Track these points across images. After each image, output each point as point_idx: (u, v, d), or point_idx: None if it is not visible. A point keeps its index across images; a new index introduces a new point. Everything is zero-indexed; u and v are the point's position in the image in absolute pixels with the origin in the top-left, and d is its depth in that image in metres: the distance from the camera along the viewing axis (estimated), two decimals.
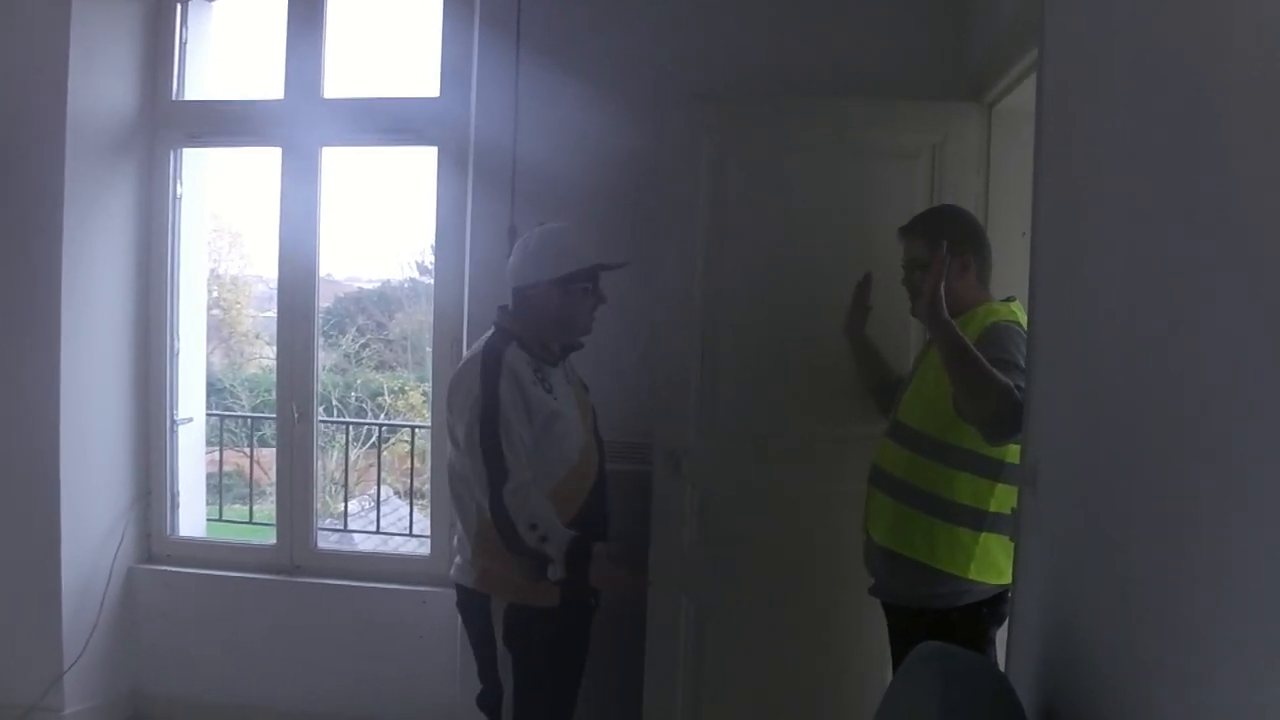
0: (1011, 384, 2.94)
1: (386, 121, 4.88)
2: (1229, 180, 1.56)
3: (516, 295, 3.37)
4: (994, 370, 2.98)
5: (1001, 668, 2.89)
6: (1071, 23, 2.54)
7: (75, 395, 4.68)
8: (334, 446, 9.44)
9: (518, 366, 3.22)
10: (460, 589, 3.40)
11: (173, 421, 5.10)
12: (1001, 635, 3.19)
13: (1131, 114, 2.03)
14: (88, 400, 4.76)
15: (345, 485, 8.72)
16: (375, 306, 14.07)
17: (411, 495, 8.57)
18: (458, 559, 3.41)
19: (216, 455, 7.57)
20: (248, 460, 9.16)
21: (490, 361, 3.21)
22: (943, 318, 3.04)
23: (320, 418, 5.07)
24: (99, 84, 4.73)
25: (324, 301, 5.14)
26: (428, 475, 5.31)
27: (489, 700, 3.41)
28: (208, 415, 5.83)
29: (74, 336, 4.66)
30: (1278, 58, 1.42)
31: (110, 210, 4.82)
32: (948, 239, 3.21)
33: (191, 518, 5.28)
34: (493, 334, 3.35)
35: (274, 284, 5.09)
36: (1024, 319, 3.16)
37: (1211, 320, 1.60)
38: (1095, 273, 2.24)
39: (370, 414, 12.99)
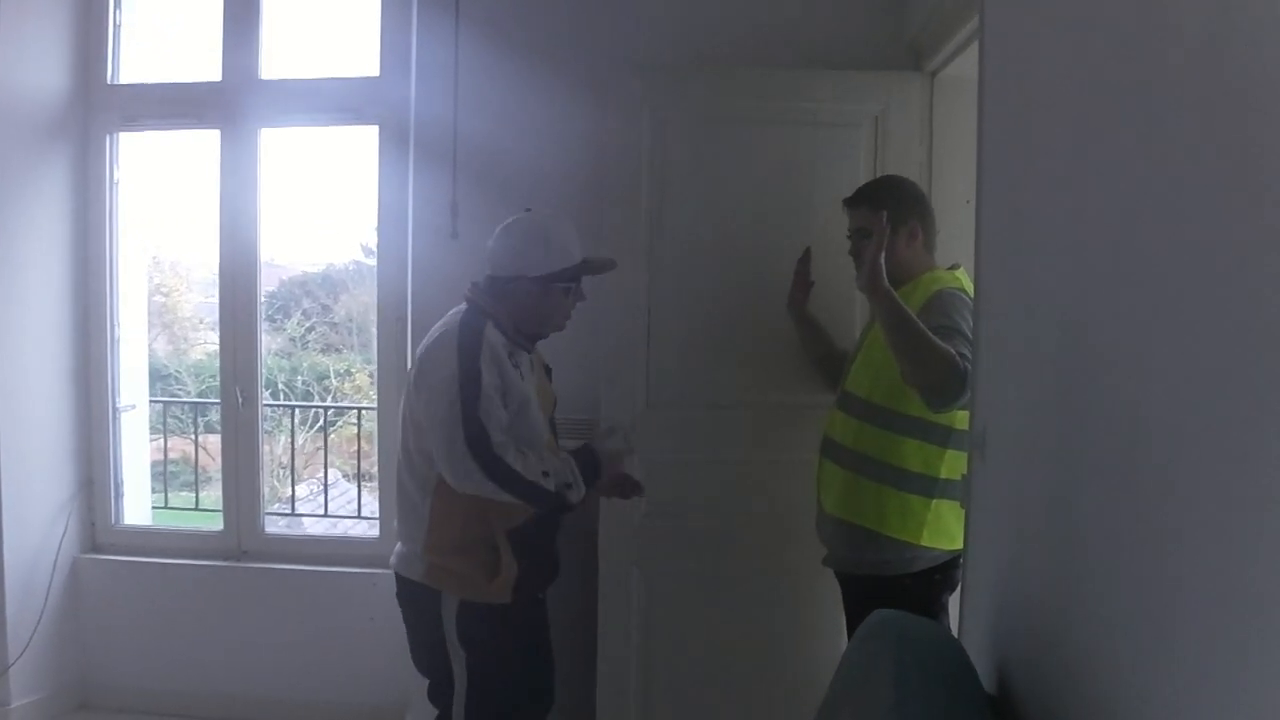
0: (954, 351, 2.97)
1: (326, 101, 4.86)
2: (1173, 146, 1.57)
3: (494, 282, 3.27)
4: (934, 338, 3.00)
5: (955, 633, 2.91)
6: None
7: (13, 384, 4.61)
8: (281, 431, 9.36)
9: (495, 344, 3.14)
10: (402, 580, 3.30)
11: (115, 409, 5.04)
12: (955, 600, 3.21)
13: (1074, 80, 2.04)
14: (26, 389, 4.69)
15: (292, 469, 8.66)
16: (320, 289, 13.95)
17: (360, 478, 8.51)
18: (399, 546, 3.31)
19: (161, 442, 7.50)
20: (193, 446, 9.08)
21: (470, 336, 3.11)
22: (883, 288, 3.05)
23: (266, 401, 5.03)
24: (31, 68, 4.66)
25: (269, 286, 5.11)
26: (375, 457, 5.28)
27: (440, 694, 3.35)
28: (151, 402, 5.77)
29: (10, 326, 4.60)
30: (1221, 23, 1.42)
31: (46, 196, 4.75)
32: (892, 208, 3.22)
33: (137, 506, 5.24)
34: (466, 310, 3.24)
35: (216, 268, 5.04)
36: (969, 286, 3.18)
37: (1156, 285, 1.61)
38: (1040, 239, 2.24)
39: (317, 397, 12.89)
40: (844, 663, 2.49)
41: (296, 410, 10.61)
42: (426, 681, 3.44)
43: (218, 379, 5.10)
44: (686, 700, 4.04)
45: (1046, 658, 2.09)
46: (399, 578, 3.31)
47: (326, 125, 5.10)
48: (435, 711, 3.40)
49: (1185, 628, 1.48)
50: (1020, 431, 2.37)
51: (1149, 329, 1.64)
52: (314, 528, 7.71)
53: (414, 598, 3.29)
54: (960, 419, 3.06)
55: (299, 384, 13.05)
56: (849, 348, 3.64)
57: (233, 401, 4.93)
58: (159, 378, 10.81)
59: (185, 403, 10.72)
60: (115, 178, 4.99)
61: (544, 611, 3.45)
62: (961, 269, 3.31)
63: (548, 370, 3.54)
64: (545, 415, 3.36)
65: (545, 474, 3.07)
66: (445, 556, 3.18)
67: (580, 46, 4.22)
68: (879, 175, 3.74)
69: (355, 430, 9.54)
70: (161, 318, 12.15)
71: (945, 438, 3.18)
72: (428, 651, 3.32)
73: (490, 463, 3.00)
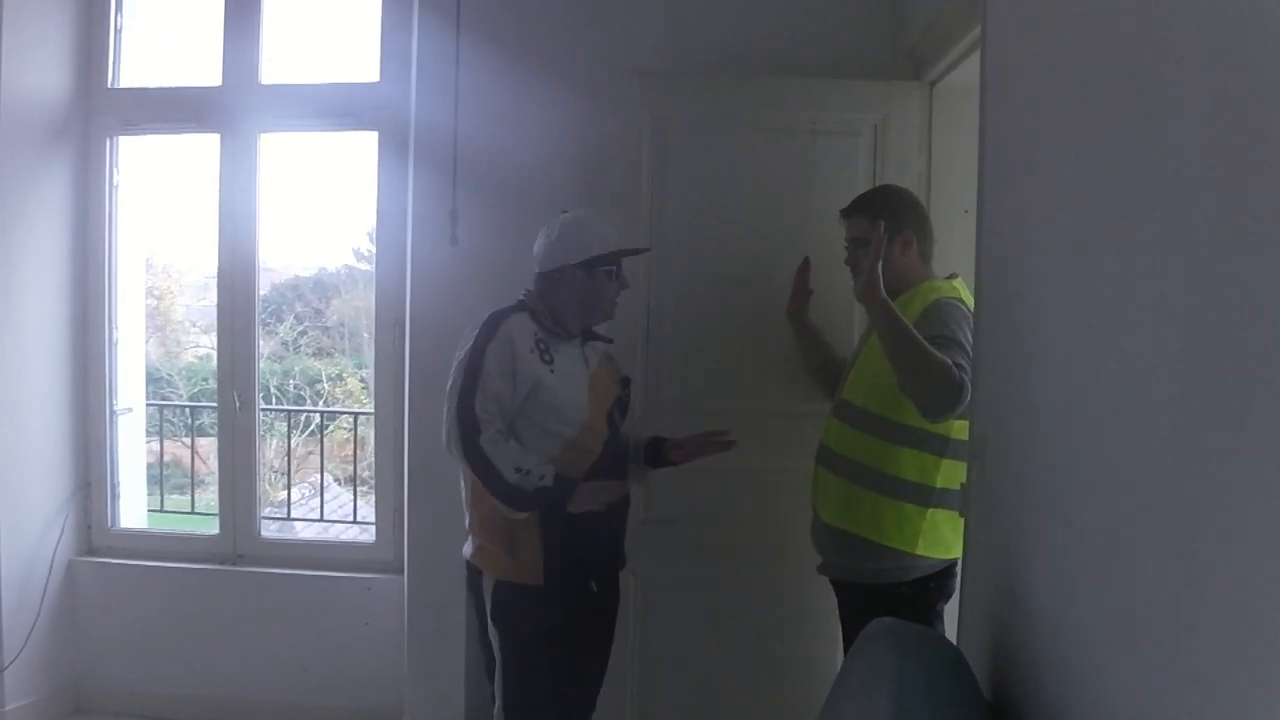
0: (949, 361, 2.97)
1: (326, 107, 4.88)
2: (1175, 155, 1.58)
3: (541, 280, 3.41)
4: (931, 348, 3.00)
5: (951, 641, 2.92)
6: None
7: (11, 387, 4.62)
8: (273, 435, 9.36)
9: (516, 330, 3.28)
10: (466, 563, 3.44)
11: (112, 412, 5.05)
12: (949, 609, 3.23)
13: (1075, 91, 2.06)
14: (24, 392, 4.70)
15: (288, 473, 8.66)
16: (312, 293, 13.93)
17: (356, 482, 8.50)
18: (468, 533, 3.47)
19: (156, 445, 7.49)
20: (187, 450, 9.07)
21: (489, 324, 3.28)
22: (880, 297, 3.05)
23: (260, 406, 5.04)
24: (32, 72, 4.67)
25: (261, 289, 5.10)
26: (369, 461, 5.29)
27: (492, 672, 3.44)
28: (147, 405, 5.77)
29: (9, 327, 4.61)
30: (1224, 31, 1.44)
31: (45, 199, 4.76)
32: (888, 218, 3.23)
33: (133, 509, 5.25)
34: (508, 305, 3.39)
35: (209, 272, 5.05)
36: (967, 295, 3.19)
37: (1157, 295, 1.63)
38: (1040, 249, 2.26)
39: (309, 401, 12.88)
40: (844, 669, 2.50)
41: (289, 414, 10.61)
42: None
43: (209, 381, 5.11)
44: (683, 707, 4.05)
45: (1045, 666, 2.10)
46: (466, 561, 3.46)
47: (326, 130, 5.11)
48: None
49: (1186, 637, 1.50)
50: (1020, 441, 2.38)
51: (1150, 339, 1.65)
52: (307, 532, 7.70)
53: (469, 577, 3.44)
54: (957, 429, 3.08)
55: (290, 388, 13.04)
56: (848, 356, 3.65)
57: (230, 405, 4.93)
58: (150, 381, 10.81)
59: (182, 406, 10.71)
60: (115, 181, 5.00)
61: (596, 607, 3.48)
62: (959, 279, 3.33)
63: (626, 382, 3.62)
64: (592, 405, 3.41)
65: (519, 470, 3.18)
66: (484, 537, 3.34)
67: (581, 52, 4.23)
68: (878, 184, 3.76)
69: (347, 434, 9.52)
70: (154, 320, 12.14)
71: (942, 447, 3.18)
72: (481, 630, 3.44)
73: (468, 436, 3.18)
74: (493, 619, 3.32)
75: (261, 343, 5.20)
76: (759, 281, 3.90)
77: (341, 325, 13.79)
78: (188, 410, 10.04)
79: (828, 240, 3.58)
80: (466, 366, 3.21)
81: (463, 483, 3.40)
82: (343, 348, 13.80)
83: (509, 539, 3.28)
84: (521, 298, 3.42)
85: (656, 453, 3.58)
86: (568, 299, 3.38)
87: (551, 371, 3.30)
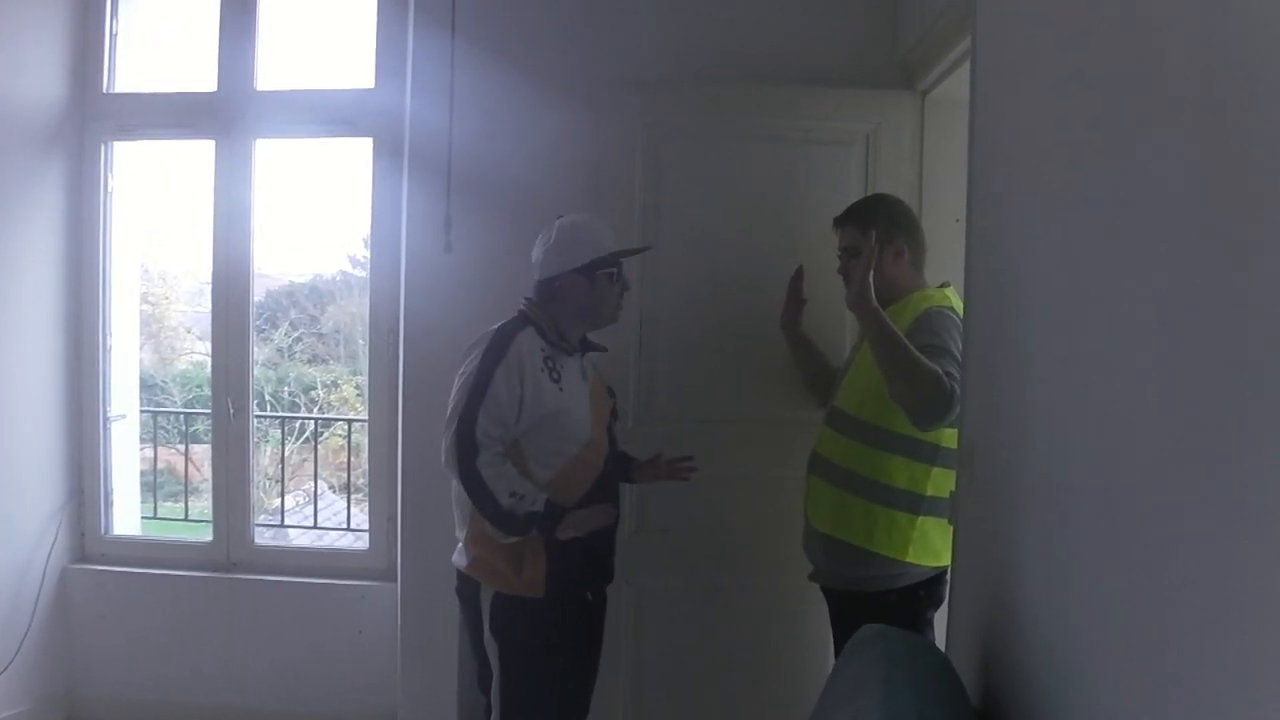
0: (940, 370, 2.99)
1: (321, 113, 4.86)
2: (1163, 165, 1.59)
3: (542, 288, 3.38)
4: (922, 357, 3.02)
5: (940, 648, 2.93)
6: (1004, 10, 2.57)
7: (3, 393, 4.59)
8: (267, 442, 9.35)
9: (526, 349, 3.24)
10: (456, 571, 3.43)
11: (106, 418, 5.03)
12: (939, 617, 3.24)
13: (1064, 101, 2.07)
14: (17, 398, 4.68)
15: (282, 481, 8.65)
16: (307, 300, 13.93)
17: (350, 489, 8.50)
18: (459, 544, 3.43)
19: (149, 452, 7.49)
20: (180, 457, 9.06)
21: (498, 341, 3.23)
22: (871, 306, 3.07)
23: (255, 413, 5.03)
24: (26, 76, 4.65)
25: (256, 296, 5.09)
26: (364, 469, 5.29)
27: (486, 682, 3.43)
28: (141, 412, 5.76)
29: (2, 333, 4.58)
30: (1208, 45, 1.45)
31: (40, 204, 4.74)
32: (880, 227, 3.25)
33: (126, 516, 5.21)
34: (511, 319, 3.36)
35: (204, 278, 5.03)
36: (958, 304, 3.20)
37: (1145, 303, 1.64)
38: (1029, 258, 2.27)
39: (303, 408, 12.88)
40: (834, 676, 2.51)
41: (283, 421, 10.61)
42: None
43: (204, 388, 5.09)
44: (675, 713, 4.05)
45: (1033, 674, 2.11)
46: (456, 570, 3.44)
47: (321, 137, 5.10)
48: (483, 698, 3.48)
49: (1175, 645, 1.50)
50: (1008, 449, 2.39)
51: (1137, 347, 1.66)
52: (301, 539, 7.69)
53: (462, 589, 3.43)
54: (947, 437, 3.09)
55: (285, 395, 13.04)
56: (840, 364, 3.67)
57: (224, 412, 4.93)
58: (145, 387, 10.78)
59: (176, 413, 10.70)
60: (109, 186, 4.98)
61: (590, 616, 3.49)
62: (951, 287, 3.34)
63: (611, 392, 3.61)
64: (596, 420, 3.42)
65: (513, 494, 3.15)
66: (483, 549, 3.30)
67: (576, 61, 4.22)
68: (870, 193, 3.77)
69: (341, 442, 9.51)
70: (148, 327, 12.13)
71: (932, 455, 3.20)
72: (474, 640, 3.43)
73: (465, 458, 3.13)
74: (491, 631, 3.31)
75: (256, 349, 5.18)
76: (752, 290, 3.92)
77: (336, 332, 13.79)
78: (182, 417, 10.03)
79: (820, 249, 3.60)
80: (472, 387, 3.16)
81: (457, 493, 3.37)
82: (338, 355, 13.80)
83: (514, 554, 3.25)
84: (522, 308, 3.39)
85: (624, 469, 3.59)
86: (570, 305, 3.36)
87: (560, 390, 3.29)
